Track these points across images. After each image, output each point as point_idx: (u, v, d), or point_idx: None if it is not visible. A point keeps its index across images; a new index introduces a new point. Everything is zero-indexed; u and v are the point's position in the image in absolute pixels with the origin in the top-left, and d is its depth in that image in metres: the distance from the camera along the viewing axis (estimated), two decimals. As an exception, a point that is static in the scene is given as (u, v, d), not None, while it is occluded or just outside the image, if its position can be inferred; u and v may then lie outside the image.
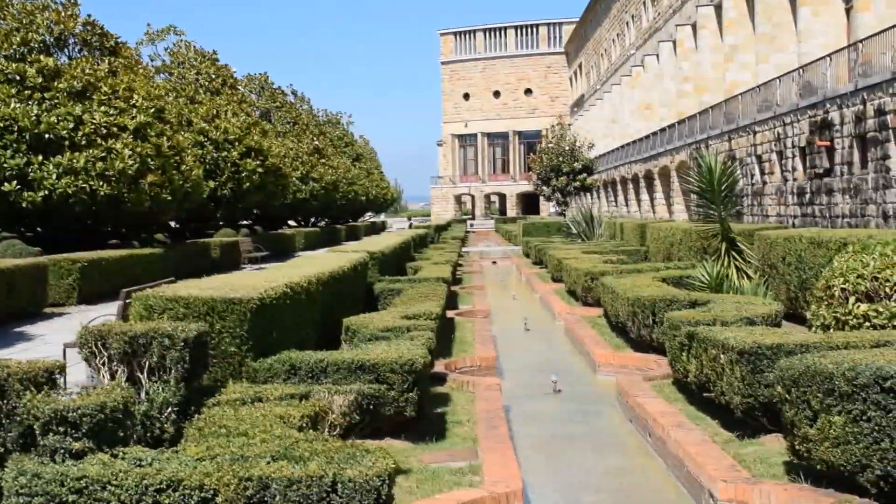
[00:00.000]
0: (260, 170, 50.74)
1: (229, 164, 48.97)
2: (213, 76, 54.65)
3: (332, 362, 11.18)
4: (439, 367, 15.82)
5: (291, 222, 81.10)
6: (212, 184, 47.00)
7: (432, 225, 79.44)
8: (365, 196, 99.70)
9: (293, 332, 13.23)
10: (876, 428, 7.95)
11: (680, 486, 10.33)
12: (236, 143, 49.52)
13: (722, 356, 11.08)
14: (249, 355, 11.47)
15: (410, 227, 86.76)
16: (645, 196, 73.58)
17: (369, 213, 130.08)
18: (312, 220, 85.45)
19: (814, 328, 12.84)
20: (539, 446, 12.51)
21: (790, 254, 20.29)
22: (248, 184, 49.80)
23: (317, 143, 78.77)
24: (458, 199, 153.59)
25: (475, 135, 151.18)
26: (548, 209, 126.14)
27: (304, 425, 8.92)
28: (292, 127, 76.37)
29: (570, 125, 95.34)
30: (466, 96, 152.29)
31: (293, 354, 11.49)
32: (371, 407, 10.67)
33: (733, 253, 20.73)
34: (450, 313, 23.57)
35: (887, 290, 12.18)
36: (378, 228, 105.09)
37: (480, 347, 18.66)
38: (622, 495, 10.41)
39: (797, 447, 8.77)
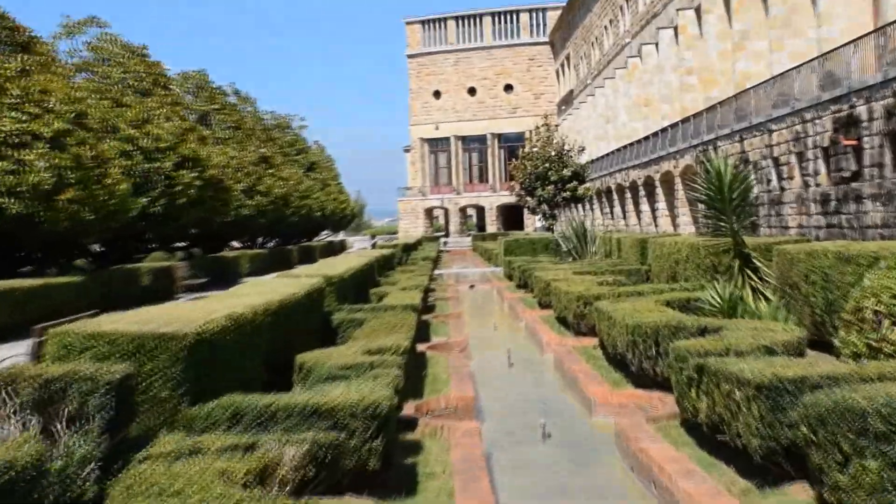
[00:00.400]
0: (197, 182, 50.59)
1: (162, 177, 48.81)
2: (143, 75, 54.52)
3: (282, 407, 11.07)
4: (409, 409, 15.74)
5: (235, 243, 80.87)
6: (142, 200, 46.81)
7: (399, 244, 79.33)
8: (321, 211, 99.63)
9: (237, 373, 13.10)
10: (917, 473, 7.94)
11: (691, 544, 10.29)
12: (170, 152, 49.37)
13: (737, 392, 11.06)
14: (185, 400, 11.34)
15: (374, 246, 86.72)
16: (645, 207, 73.86)
17: (326, 232, 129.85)
18: (260, 240, 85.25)
19: (843, 357, 12.85)
20: (527, 501, 12.43)
21: (814, 271, 20.34)
22: (183, 199, 49.65)
23: (263, 150, 78.66)
24: (429, 213, 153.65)
25: (448, 139, 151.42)
26: (533, 224, 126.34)
27: (250, 482, 8.82)
28: (235, 132, 76.26)
29: (557, 126, 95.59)
30: (437, 94, 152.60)
31: (237, 398, 11.36)
32: (328, 458, 10.56)
33: (748, 271, 20.79)
34: (420, 347, 23.48)
35: (927, 311, 12.21)
36: (336, 249, 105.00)
37: (457, 386, 18.56)
38: (624, 557, 10.36)
39: (826, 497, 8.75)
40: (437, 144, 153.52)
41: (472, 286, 54.57)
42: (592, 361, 20.85)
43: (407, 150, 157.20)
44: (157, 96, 54.05)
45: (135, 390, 10.06)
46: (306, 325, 18.83)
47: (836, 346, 13.41)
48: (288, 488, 9.59)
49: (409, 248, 78.70)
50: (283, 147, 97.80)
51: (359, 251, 59.99)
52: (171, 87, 58.64)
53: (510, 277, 52.35)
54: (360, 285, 29.49)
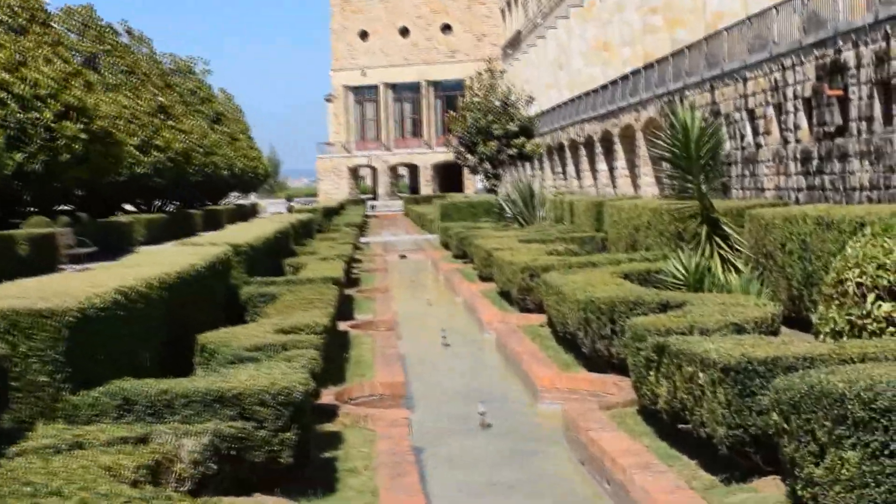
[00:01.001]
0: (83, 136, 50.11)
1: (41, 129, 48.26)
2: (17, 9, 53.78)
3: (180, 394, 11.05)
4: (328, 397, 15.77)
5: (129, 206, 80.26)
6: (18, 156, 46.30)
7: (320, 208, 79.21)
8: (228, 170, 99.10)
9: (128, 355, 13.05)
10: (901, 465, 8.10)
11: (648, 547, 10.42)
12: (50, 100, 48.83)
13: (701, 375, 11.18)
14: (67, 386, 11.29)
15: (290, 210, 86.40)
16: (603, 165, 74.23)
17: (235, 194, 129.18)
18: (157, 203, 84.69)
19: (822, 335, 13.01)
20: (462, 499, 12.52)
21: (792, 239, 20.58)
22: (67, 155, 49.15)
23: (161, 99, 78.08)
24: (354, 172, 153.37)
25: (376, 86, 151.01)
26: (474, 185, 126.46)
27: (141, 479, 8.79)
28: (128, 78, 75.62)
29: (502, 72, 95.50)
30: (364, 35, 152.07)
31: (127, 384, 11.32)
32: (234, 452, 10.56)
33: (717, 239, 20.94)
34: (343, 325, 23.52)
35: (916, 283, 12.40)
36: (247, 213, 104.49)
37: (383, 370, 18.62)
38: (572, 562, 10.48)
39: (800, 493, 8.88)
40: (363, 93, 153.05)
41: (403, 256, 54.65)
42: (539, 341, 20.98)
43: (329, 100, 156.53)
44: (35, 34, 53.38)
45: (7, 375, 10.00)
46: (210, 300, 18.77)
47: (815, 322, 13.57)
48: (186, 486, 9.58)
49: (331, 213, 78.58)
50: (184, 95, 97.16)
51: (272, 216, 59.80)
52: (51, 24, 57.97)
53: (447, 246, 52.47)
54: (273, 255, 29.39)
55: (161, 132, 72.95)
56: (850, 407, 8.30)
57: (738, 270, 20.62)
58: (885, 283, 12.46)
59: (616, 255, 27.10)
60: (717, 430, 10.89)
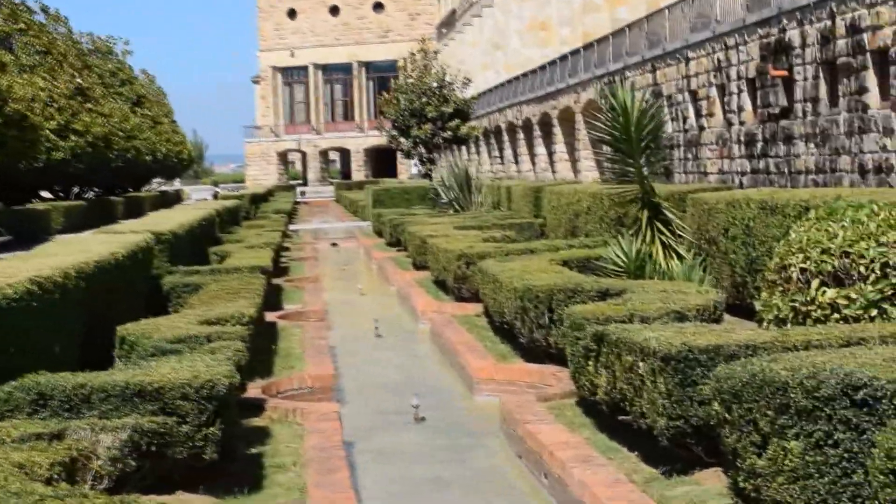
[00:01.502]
0: (-3, 119, 49.57)
1: (-48, 112, 47.73)
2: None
3: (98, 388, 10.97)
4: (255, 390, 15.72)
5: (46, 194, 79.52)
6: (-73, 140, 45.77)
7: (247, 194, 78.89)
8: (151, 155, 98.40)
9: (43, 348, 12.95)
10: (845, 455, 8.15)
11: (586, 543, 10.47)
12: (-38, 82, 48.27)
13: (641, 364, 11.24)
14: (-22, 381, 11.17)
15: (216, 197, 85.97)
16: (541, 149, 74.37)
17: (158, 180, 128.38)
18: (76, 190, 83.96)
19: (765, 323, 13.12)
20: (395, 496, 12.55)
21: (735, 224, 20.72)
22: (-21, 139, 48.64)
23: (80, 80, 77.35)
24: (283, 157, 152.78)
25: (305, 67, 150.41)
26: (408, 170, 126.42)
27: (56, 477, 8.72)
28: (44, 58, 74.84)
29: (436, 53, 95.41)
30: (292, 13, 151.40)
31: (42, 378, 11.22)
32: (154, 448, 10.50)
33: (658, 224, 21.07)
34: (270, 316, 23.43)
35: (862, 269, 12.50)
36: (171, 200, 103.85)
37: (313, 362, 18.60)
38: (508, 560, 10.51)
39: (742, 485, 8.95)
40: (292, 75, 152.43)
41: (334, 244, 54.58)
42: (475, 331, 21.02)
43: (256, 82, 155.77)
44: (-54, 13, 52.75)
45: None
46: (130, 290, 18.67)
47: (758, 310, 13.68)
48: (104, 483, 9.53)
49: (259, 200, 78.27)
50: (104, 77, 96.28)
51: (197, 203, 59.53)
52: (-37, 1, 57.26)
53: (380, 233, 52.44)
54: (197, 243, 29.27)
55: (80, 116, 72.28)
56: (792, 396, 8.37)
57: (680, 257, 20.75)
58: (829, 268, 12.56)
59: (555, 242, 27.17)
60: (657, 422, 10.95)
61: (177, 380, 10.96)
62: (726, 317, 16.06)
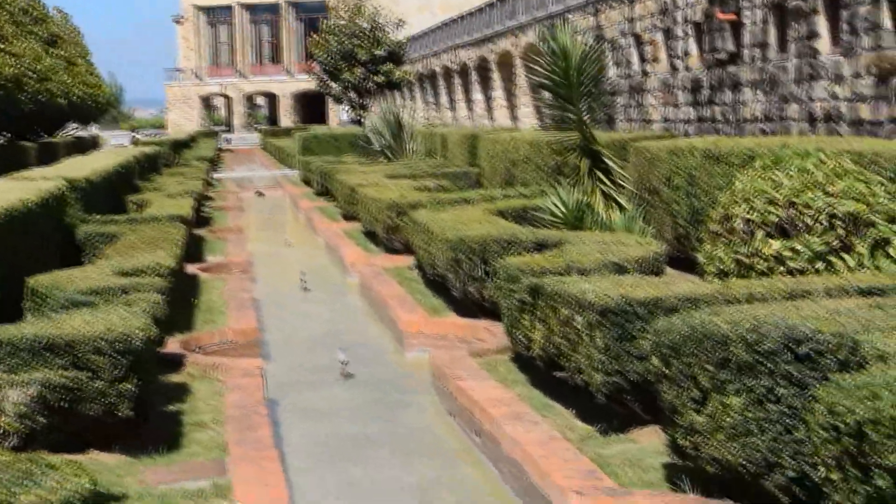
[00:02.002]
0: None
1: None
2: None
3: (5, 341, 10.87)
4: (174, 345, 15.68)
5: (-47, 138, 78.57)
6: None
7: (168, 140, 78.29)
8: (66, 98, 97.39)
9: (-52, 298, 12.85)
10: (787, 411, 8.22)
11: (519, 502, 10.51)
12: None
13: (577, 318, 11.27)
14: None
15: (135, 143, 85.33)
16: (478, 95, 74.38)
17: (74, 125, 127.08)
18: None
19: (707, 275, 13.20)
20: (319, 454, 12.55)
21: (678, 173, 20.78)
22: None
23: (-11, 18, 76.36)
24: (206, 102, 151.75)
25: (230, 7, 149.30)
26: (338, 116, 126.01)
27: (-39, 434, 8.68)
28: (-50, -6, 73.85)
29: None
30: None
31: (-54, 331, 11.15)
32: (65, 404, 10.47)
33: (598, 173, 21.10)
34: (192, 268, 23.38)
35: (808, 220, 12.61)
36: (87, 146, 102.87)
37: (236, 316, 18.57)
38: (438, 520, 10.55)
39: (680, 442, 9.01)
40: (216, 14, 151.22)
41: (259, 193, 54.33)
42: (406, 284, 21.03)
43: (178, 22, 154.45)
44: None
45: None
46: (42, 240, 18.52)
47: (700, 262, 13.78)
48: (11, 441, 9.50)
49: (181, 146, 77.71)
50: (15, 14, 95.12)
51: (115, 148, 59.06)
52: None
53: (308, 182, 52.30)
54: (114, 191, 29.07)
55: (-11, 55, 71.43)
56: (733, 350, 8.41)
57: (620, 207, 20.81)
58: (774, 219, 12.67)
59: (491, 192, 27.19)
60: (594, 377, 10.99)
61: (89, 333, 10.89)
62: (668, 270, 16.16)
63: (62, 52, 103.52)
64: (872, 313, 8.60)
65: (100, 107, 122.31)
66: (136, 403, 11.02)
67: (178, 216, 23.54)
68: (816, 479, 6.92)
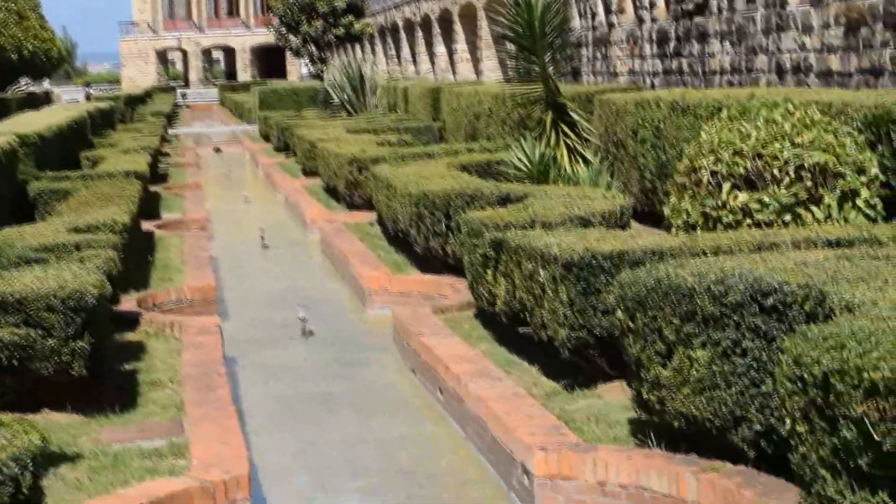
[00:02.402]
0: None
1: None
2: None
3: (-46, 298, 10.84)
4: (129, 303, 15.65)
5: None
6: None
7: (123, 95, 77.92)
8: (17, 53, 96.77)
9: None
10: (754, 365, 8.25)
11: (482, 459, 10.56)
12: None
13: (542, 272, 11.28)
14: None
15: (89, 98, 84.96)
16: (441, 48, 74.11)
17: (26, 80, 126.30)
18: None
19: (674, 229, 13.22)
20: (279, 413, 12.58)
21: (644, 126, 20.77)
22: None
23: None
24: (162, 56, 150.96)
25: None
26: (298, 70, 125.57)
27: None
28: None
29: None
30: None
31: None
32: (16, 363, 10.45)
33: (563, 127, 21.11)
34: (148, 225, 23.30)
35: (776, 172, 12.63)
36: (39, 101, 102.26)
37: (193, 274, 18.53)
38: (400, 478, 10.58)
39: (646, 397, 9.05)
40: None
41: (217, 149, 54.21)
42: (368, 241, 21.04)
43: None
44: None
45: None
46: (-7, 196, 18.45)
47: (666, 215, 13.79)
48: (-39, 401, 9.46)
49: (136, 102, 77.46)
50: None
51: (68, 104, 58.76)
52: None
53: (267, 138, 52.21)
54: (67, 147, 28.97)
55: (-63, 8, 70.88)
56: (699, 302, 8.43)
57: (586, 161, 20.83)
58: (741, 170, 12.67)
59: (454, 146, 27.18)
60: (559, 332, 11.00)
61: (41, 290, 10.83)
62: (635, 224, 16.21)
63: (12, 5, 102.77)
64: (840, 264, 8.63)
65: (52, 62, 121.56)
66: (91, 362, 10.98)
67: (133, 172, 23.44)
68: (783, 433, 6.95)
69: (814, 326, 6.78)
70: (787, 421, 6.61)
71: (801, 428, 6.44)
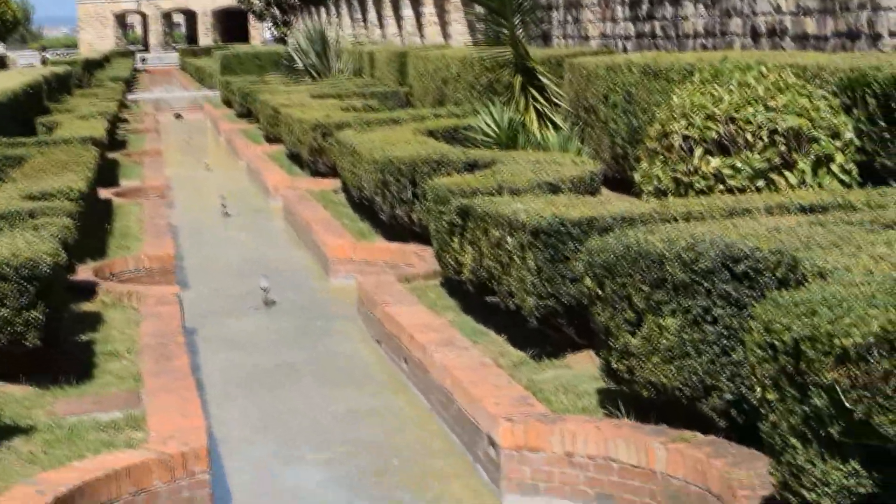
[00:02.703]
0: None
1: None
2: None
3: None
4: (86, 272, 15.61)
5: None
6: None
7: (80, 60, 77.54)
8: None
9: None
10: (725, 333, 8.28)
11: (448, 431, 10.58)
12: None
13: (509, 239, 11.27)
14: None
15: (45, 63, 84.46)
16: (408, 11, 73.90)
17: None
18: None
19: (644, 195, 13.24)
20: (240, 384, 12.60)
21: (615, 90, 20.77)
22: None
23: None
24: (121, 20, 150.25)
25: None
26: (261, 34, 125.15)
27: None
28: None
29: None
30: None
31: None
32: (-32, 334, 10.41)
33: (533, 91, 21.11)
34: (105, 192, 23.25)
35: (748, 136, 12.66)
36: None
37: (151, 242, 18.47)
38: (364, 450, 10.59)
39: (615, 366, 9.06)
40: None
41: (178, 115, 54.08)
42: (332, 208, 21.03)
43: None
44: None
45: None
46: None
47: (637, 181, 13.81)
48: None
49: (94, 66, 77.02)
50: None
51: (23, 69, 58.48)
52: None
53: (229, 104, 52.12)
54: (22, 112, 28.85)
55: None
56: (669, 269, 8.43)
57: (556, 126, 20.84)
58: (713, 135, 12.69)
59: (420, 111, 27.18)
60: (526, 301, 11.00)
61: (-6, 258, 10.80)
62: (606, 191, 16.21)
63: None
64: (813, 230, 8.65)
65: (7, 25, 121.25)
66: (45, 333, 10.94)
67: (90, 138, 23.32)
68: (753, 401, 6.97)
69: (785, 293, 6.79)
70: (758, 389, 6.62)
71: (771, 396, 6.46)
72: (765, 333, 6.44)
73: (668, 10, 34.90)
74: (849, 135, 12.59)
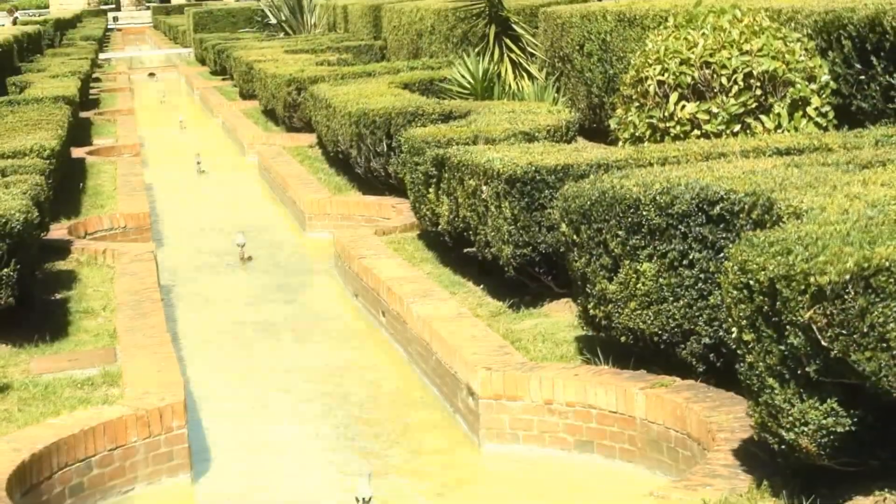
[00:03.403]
0: None
1: None
2: None
3: None
4: (60, 231, 15.57)
5: None
6: None
7: (51, 19, 77.14)
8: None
9: None
10: (701, 276, 8.28)
11: (427, 382, 10.60)
12: None
13: (485, 188, 11.25)
14: None
15: (15, 22, 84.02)
16: (382, -35, 73.71)
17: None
18: None
19: (620, 142, 13.23)
20: (216, 340, 12.61)
21: (591, 39, 20.72)
22: None
23: None
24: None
25: None
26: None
27: None
28: None
29: None
30: None
31: None
32: (-60, 294, 10.39)
33: (507, 41, 21.04)
34: (78, 151, 23.20)
35: (724, 81, 12.65)
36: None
37: (126, 200, 18.40)
38: (342, 403, 10.61)
39: (592, 313, 9.06)
40: None
41: (151, 74, 53.96)
42: (308, 163, 20.98)
43: None
44: None
45: None
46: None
47: (613, 128, 13.80)
48: None
49: (65, 26, 76.54)
50: None
51: (-6, 30, 58.13)
52: None
53: (203, 61, 51.94)
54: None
55: None
56: (645, 213, 8.42)
57: (531, 76, 20.80)
58: (688, 80, 12.68)
59: (395, 64, 27.08)
60: (503, 250, 10.98)
61: (-36, 217, 10.76)
62: (582, 140, 16.21)
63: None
64: (788, 172, 8.62)
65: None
66: (19, 291, 10.91)
67: (62, 97, 23.25)
68: (731, 343, 6.98)
69: (760, 233, 6.80)
70: (734, 330, 6.63)
71: (747, 337, 6.46)
72: (740, 274, 6.44)
73: (644, -42, 34.79)
74: (825, 77, 12.57)
